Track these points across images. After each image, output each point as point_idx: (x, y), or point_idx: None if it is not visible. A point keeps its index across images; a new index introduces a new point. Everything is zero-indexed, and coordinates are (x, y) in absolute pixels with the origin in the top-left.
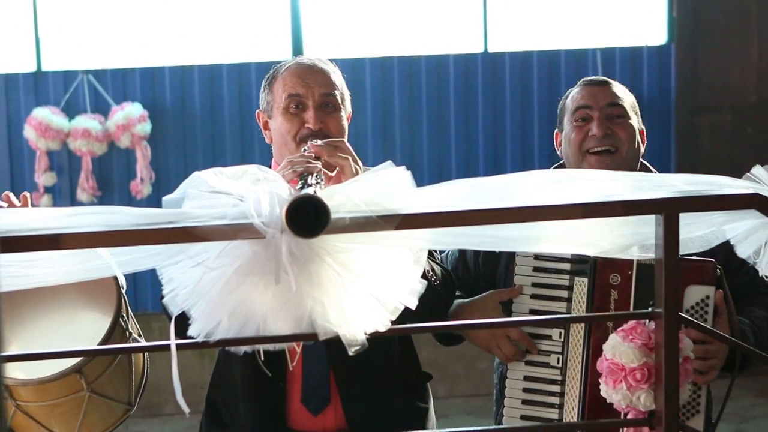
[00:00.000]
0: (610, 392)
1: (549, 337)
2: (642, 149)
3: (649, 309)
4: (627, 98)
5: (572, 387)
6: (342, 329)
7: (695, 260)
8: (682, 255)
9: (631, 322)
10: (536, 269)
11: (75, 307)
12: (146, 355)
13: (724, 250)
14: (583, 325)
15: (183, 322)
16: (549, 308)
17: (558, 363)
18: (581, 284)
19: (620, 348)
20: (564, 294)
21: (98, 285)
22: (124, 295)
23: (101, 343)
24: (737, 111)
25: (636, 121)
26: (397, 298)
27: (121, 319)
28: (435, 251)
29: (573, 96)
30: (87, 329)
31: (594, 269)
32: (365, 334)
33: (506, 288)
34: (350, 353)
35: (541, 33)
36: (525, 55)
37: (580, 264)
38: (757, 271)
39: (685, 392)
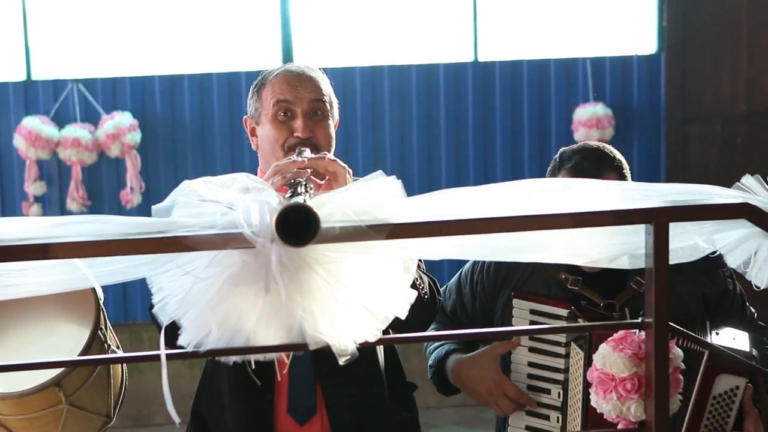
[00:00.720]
0: (600, 402)
1: (548, 392)
2: None
3: (640, 319)
4: (619, 173)
5: None
6: (332, 339)
7: (731, 351)
8: (671, 263)
9: (621, 332)
10: (533, 323)
11: (53, 320)
12: (125, 367)
13: (717, 292)
14: (581, 389)
15: (173, 331)
16: (547, 363)
17: (558, 422)
18: (578, 355)
19: (610, 358)
20: (561, 350)
21: (76, 297)
22: (102, 306)
23: (80, 356)
24: (727, 120)
25: None
26: (388, 307)
27: (99, 331)
28: (420, 261)
29: (565, 177)
30: (66, 341)
31: (589, 343)
32: (355, 343)
33: (504, 341)
34: (340, 363)
35: (531, 42)
36: (515, 64)
37: (575, 322)
38: (746, 309)
39: (675, 402)
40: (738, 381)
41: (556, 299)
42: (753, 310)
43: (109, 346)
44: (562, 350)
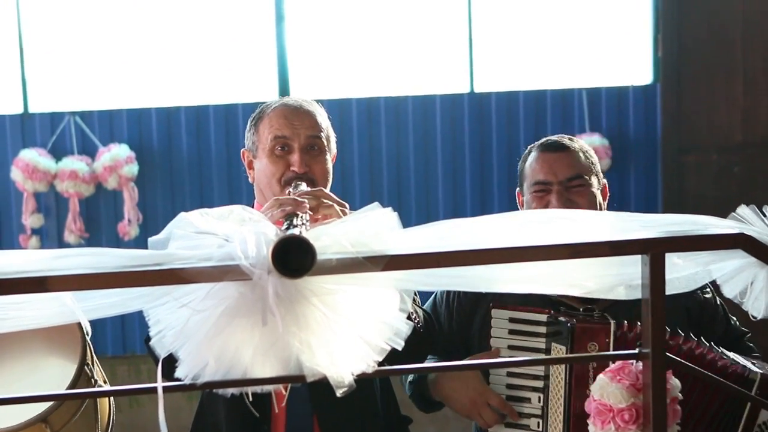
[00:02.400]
0: None
1: (528, 400)
2: (604, 205)
3: (637, 350)
4: (586, 162)
5: None
6: (329, 371)
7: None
8: (668, 294)
9: (619, 363)
10: (512, 332)
11: (38, 356)
12: (112, 401)
13: (697, 303)
14: (562, 391)
15: (170, 364)
16: (527, 371)
17: (538, 427)
18: (559, 351)
19: (608, 388)
20: (541, 357)
21: (62, 332)
22: (89, 341)
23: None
24: (723, 150)
25: (597, 182)
26: (384, 339)
27: (86, 367)
28: (415, 294)
29: (531, 164)
30: (52, 378)
31: (571, 337)
32: (352, 375)
33: (483, 352)
34: (338, 395)
35: (527, 73)
36: (511, 95)
37: (555, 326)
38: (729, 318)
39: None
40: None
41: (535, 306)
42: (735, 319)
43: (95, 381)
44: (541, 356)
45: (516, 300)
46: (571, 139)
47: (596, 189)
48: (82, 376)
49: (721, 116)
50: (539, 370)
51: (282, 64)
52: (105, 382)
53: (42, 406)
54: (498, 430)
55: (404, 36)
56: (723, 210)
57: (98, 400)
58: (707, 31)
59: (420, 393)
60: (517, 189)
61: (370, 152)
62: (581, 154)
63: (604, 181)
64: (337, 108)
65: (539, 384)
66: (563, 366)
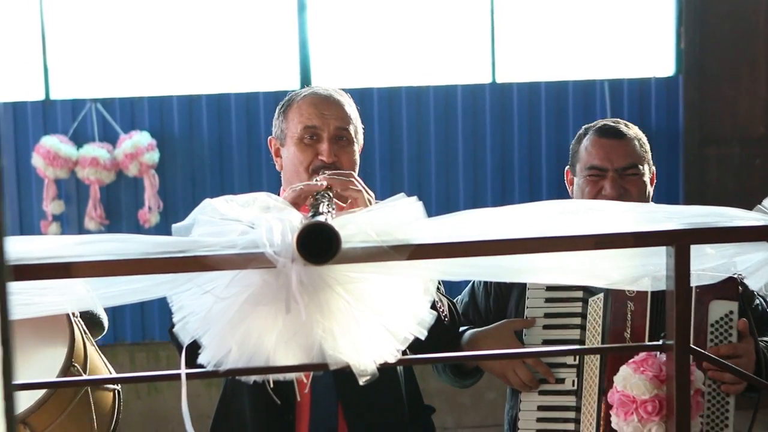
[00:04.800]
0: (621, 424)
1: (564, 364)
2: (652, 192)
3: (661, 341)
4: (640, 150)
5: (588, 413)
6: (352, 359)
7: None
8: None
9: (643, 354)
10: (548, 300)
11: (25, 347)
12: (118, 394)
13: (757, 314)
14: (600, 329)
15: (192, 351)
16: (562, 336)
17: (573, 386)
18: (597, 301)
19: (631, 380)
20: (577, 321)
21: (49, 322)
22: (83, 333)
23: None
24: (745, 143)
25: (648, 170)
26: (407, 328)
27: (72, 368)
28: (439, 283)
29: (587, 147)
30: (38, 371)
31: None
32: (375, 364)
33: (520, 319)
34: (361, 383)
35: (548, 64)
36: (533, 85)
37: (590, 294)
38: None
39: (696, 425)
40: (731, 305)
41: None
42: None
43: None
44: (578, 321)
45: None
46: (627, 126)
47: (647, 177)
48: (69, 373)
49: (743, 108)
50: (575, 334)
51: (303, 53)
52: (107, 367)
53: (20, 407)
54: (531, 398)
55: (426, 26)
56: (744, 202)
57: (91, 397)
58: (730, 23)
59: (453, 364)
60: (567, 167)
61: (391, 142)
62: (636, 143)
63: (653, 168)
64: (358, 97)
65: (575, 334)
66: (600, 309)
